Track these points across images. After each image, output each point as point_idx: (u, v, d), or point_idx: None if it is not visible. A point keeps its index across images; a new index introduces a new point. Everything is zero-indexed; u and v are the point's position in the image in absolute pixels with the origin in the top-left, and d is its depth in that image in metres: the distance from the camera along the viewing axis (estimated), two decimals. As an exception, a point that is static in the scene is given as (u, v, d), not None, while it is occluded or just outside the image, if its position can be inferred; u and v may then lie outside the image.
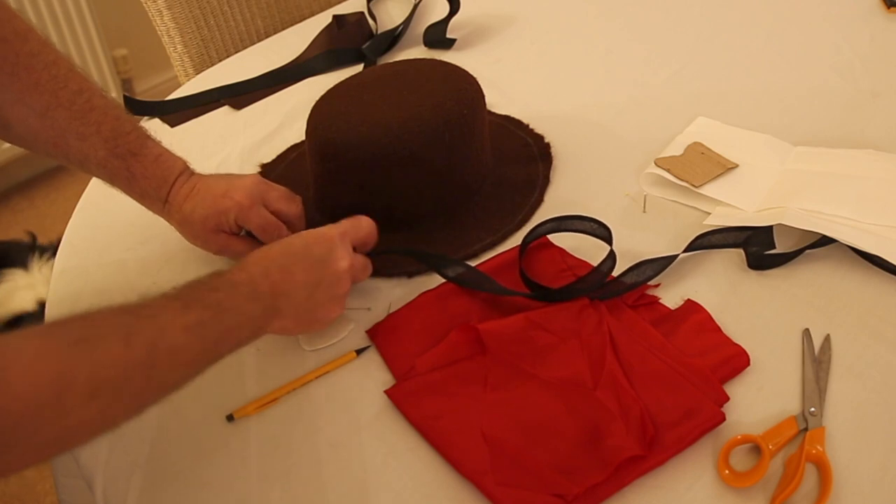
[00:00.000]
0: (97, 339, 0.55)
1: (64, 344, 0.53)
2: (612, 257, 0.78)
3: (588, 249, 0.83)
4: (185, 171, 0.83)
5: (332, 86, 0.93)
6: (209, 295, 0.64)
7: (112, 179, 0.81)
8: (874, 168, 0.89)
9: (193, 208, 0.81)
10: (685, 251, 0.81)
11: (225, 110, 1.14)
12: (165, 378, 0.59)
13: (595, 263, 0.81)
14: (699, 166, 0.90)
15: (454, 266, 0.80)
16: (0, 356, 0.50)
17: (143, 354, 0.57)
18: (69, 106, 0.77)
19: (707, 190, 0.88)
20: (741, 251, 0.81)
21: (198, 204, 0.81)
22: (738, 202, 0.86)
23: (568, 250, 0.84)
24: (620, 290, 0.77)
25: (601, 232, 0.81)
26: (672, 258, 0.79)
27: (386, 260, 0.85)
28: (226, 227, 0.81)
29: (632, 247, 0.84)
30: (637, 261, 0.80)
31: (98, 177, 0.82)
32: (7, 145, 2.06)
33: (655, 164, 0.91)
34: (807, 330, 0.74)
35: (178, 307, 0.61)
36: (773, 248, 0.80)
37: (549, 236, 0.85)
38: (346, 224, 0.76)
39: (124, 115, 0.81)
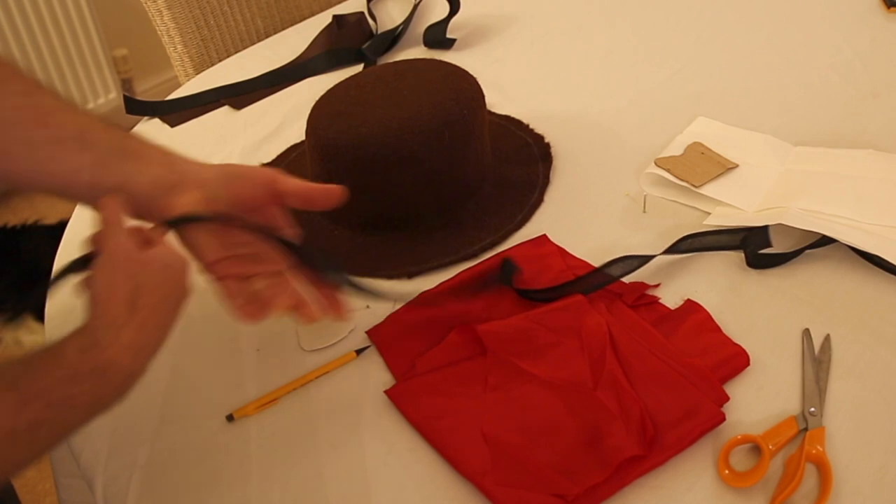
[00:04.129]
0: None
1: None
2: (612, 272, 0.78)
3: (588, 250, 0.84)
4: None
5: (332, 86, 0.93)
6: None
7: (110, 153, 0.67)
8: (874, 168, 0.89)
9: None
10: (669, 251, 0.81)
11: (225, 110, 1.14)
12: None
13: (596, 264, 0.82)
14: (699, 166, 0.90)
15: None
16: None
17: None
18: (53, 91, 0.68)
19: (707, 190, 0.88)
20: (741, 252, 0.81)
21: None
22: (738, 202, 0.86)
23: (568, 250, 0.84)
24: (603, 283, 0.77)
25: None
26: (651, 257, 0.79)
27: (385, 260, 0.85)
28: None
29: (632, 247, 0.84)
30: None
31: (87, 161, 0.67)
32: (7, 145, 2.06)
33: (655, 164, 0.91)
34: (807, 330, 0.74)
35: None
36: (770, 246, 0.80)
37: (549, 235, 0.85)
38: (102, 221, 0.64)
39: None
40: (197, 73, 1.28)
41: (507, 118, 1.04)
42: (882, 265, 0.78)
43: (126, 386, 0.57)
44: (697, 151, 0.93)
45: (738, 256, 0.82)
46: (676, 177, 0.89)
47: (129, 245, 0.60)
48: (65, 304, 0.85)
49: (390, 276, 0.84)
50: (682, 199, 0.89)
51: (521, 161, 0.97)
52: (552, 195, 0.92)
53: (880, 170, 0.89)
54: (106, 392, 0.55)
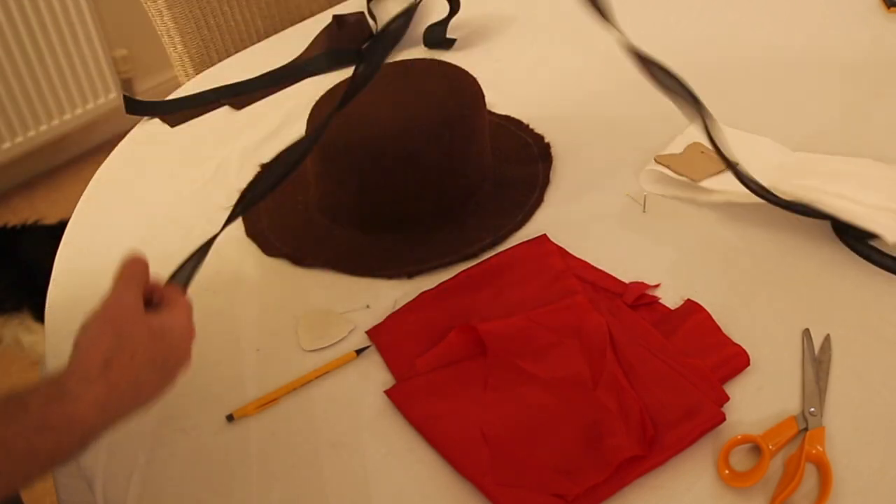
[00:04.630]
0: None
1: None
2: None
3: (588, 250, 0.84)
4: None
5: (332, 86, 0.93)
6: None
7: None
8: (873, 169, 0.89)
9: None
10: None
11: (225, 110, 1.14)
12: None
13: (596, 265, 0.82)
14: (699, 164, 0.90)
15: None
16: None
17: None
18: None
19: (707, 184, 0.88)
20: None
21: None
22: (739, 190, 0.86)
23: (568, 250, 0.84)
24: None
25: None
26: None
27: (385, 260, 0.85)
28: None
29: (632, 247, 0.84)
30: (636, 263, 0.80)
31: None
32: (7, 145, 2.06)
33: (655, 160, 0.91)
34: (807, 330, 0.74)
35: None
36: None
37: (549, 235, 0.85)
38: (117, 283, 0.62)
39: None
40: (197, 73, 1.28)
41: (507, 118, 1.04)
42: (882, 264, 0.78)
43: (88, 441, 0.55)
44: (697, 151, 0.93)
45: (737, 256, 0.82)
46: (676, 172, 0.89)
47: (130, 303, 0.59)
48: (65, 305, 0.85)
49: (390, 276, 0.84)
50: (682, 195, 0.89)
51: (521, 161, 0.97)
52: (552, 195, 0.92)
53: (879, 169, 0.89)
54: (67, 446, 0.54)
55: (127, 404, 0.57)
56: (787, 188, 0.82)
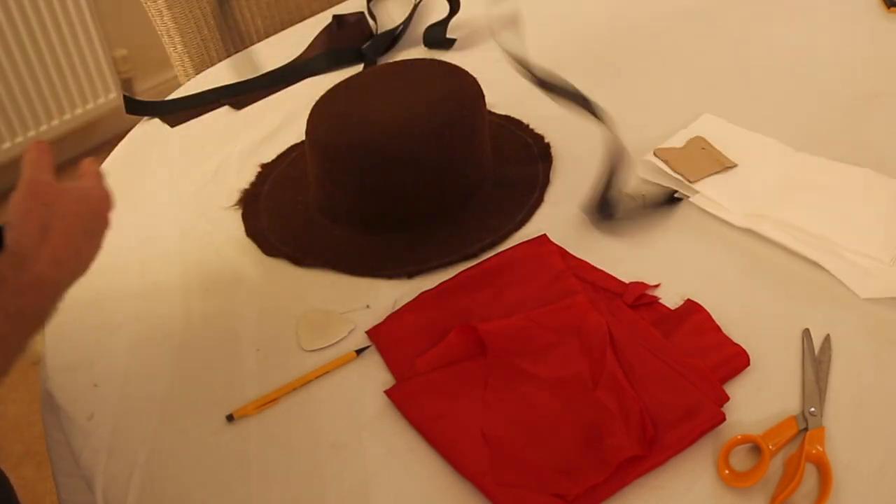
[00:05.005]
0: None
1: None
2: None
3: (589, 250, 0.83)
4: None
5: (332, 86, 0.93)
6: None
7: None
8: (867, 187, 0.88)
9: None
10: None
11: (225, 110, 1.14)
12: None
13: (596, 265, 0.82)
14: (697, 161, 0.90)
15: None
16: None
17: None
18: None
19: (701, 186, 0.88)
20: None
21: None
22: (729, 203, 0.86)
23: (568, 250, 0.84)
24: None
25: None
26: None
27: (385, 260, 0.85)
28: None
29: (632, 247, 0.84)
30: (636, 263, 0.80)
31: None
32: (7, 145, 2.06)
33: (654, 153, 0.91)
34: (807, 330, 0.74)
35: None
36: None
37: (549, 235, 0.85)
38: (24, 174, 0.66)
39: None
40: (197, 73, 1.28)
41: (507, 118, 1.04)
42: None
43: (57, 297, 0.62)
44: (698, 146, 0.93)
45: (738, 256, 0.82)
46: (673, 169, 0.89)
47: (47, 179, 0.65)
48: (63, 304, 0.85)
49: (390, 276, 0.84)
50: (676, 188, 0.89)
51: (521, 161, 0.97)
52: (552, 195, 0.92)
53: (873, 190, 0.88)
54: (45, 302, 0.61)
55: (72, 266, 0.63)
56: (768, 225, 0.83)
